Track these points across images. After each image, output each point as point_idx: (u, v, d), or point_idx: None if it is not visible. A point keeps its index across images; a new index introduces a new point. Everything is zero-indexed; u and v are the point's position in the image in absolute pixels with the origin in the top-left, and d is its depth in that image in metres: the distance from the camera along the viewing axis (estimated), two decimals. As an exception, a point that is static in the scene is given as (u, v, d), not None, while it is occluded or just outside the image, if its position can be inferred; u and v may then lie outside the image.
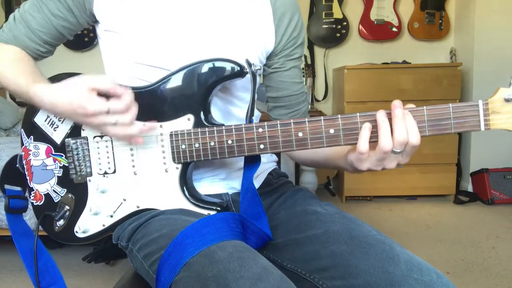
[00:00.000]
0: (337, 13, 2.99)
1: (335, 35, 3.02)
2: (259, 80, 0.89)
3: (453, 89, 2.68)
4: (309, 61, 3.11)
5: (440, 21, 3.00)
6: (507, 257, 1.93)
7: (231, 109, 0.83)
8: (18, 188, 0.84)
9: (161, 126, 0.73)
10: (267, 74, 0.90)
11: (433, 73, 2.67)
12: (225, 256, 0.57)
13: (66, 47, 3.08)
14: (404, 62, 2.90)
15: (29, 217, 1.42)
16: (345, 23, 3.01)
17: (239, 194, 0.83)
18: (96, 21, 0.80)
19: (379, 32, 3.03)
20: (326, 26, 3.01)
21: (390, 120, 0.63)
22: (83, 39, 3.02)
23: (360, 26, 3.04)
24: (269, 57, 0.88)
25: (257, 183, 0.86)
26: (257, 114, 0.91)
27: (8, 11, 2.99)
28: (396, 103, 0.62)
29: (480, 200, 2.78)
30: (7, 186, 0.83)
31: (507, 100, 0.61)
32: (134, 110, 0.68)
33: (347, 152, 0.70)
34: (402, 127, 0.61)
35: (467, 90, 2.92)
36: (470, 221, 2.45)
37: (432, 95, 2.66)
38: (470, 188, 2.92)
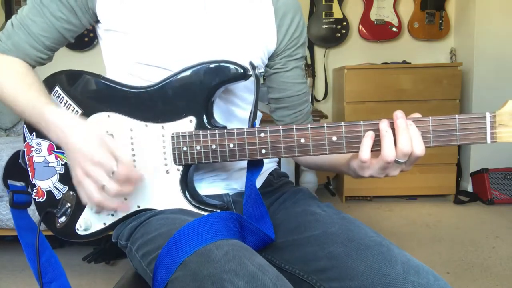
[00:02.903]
0: (337, 13, 2.99)
1: (335, 35, 3.02)
2: (261, 80, 0.89)
3: (453, 89, 2.68)
4: (309, 61, 3.11)
5: (440, 21, 3.00)
6: (507, 257, 1.93)
7: (234, 110, 0.83)
8: (22, 184, 0.84)
9: (163, 127, 0.73)
10: (269, 75, 0.90)
11: (433, 73, 2.67)
12: (221, 255, 0.57)
13: (66, 47, 3.07)
14: (404, 62, 2.90)
15: (31, 214, 1.42)
16: (345, 23, 3.01)
17: (240, 194, 0.83)
18: (97, 21, 0.79)
19: (379, 32, 3.03)
20: (326, 26, 3.01)
21: (393, 130, 0.62)
22: (83, 39, 3.02)
23: (360, 26, 3.04)
24: (270, 58, 0.88)
25: (258, 183, 0.86)
26: (258, 114, 0.91)
27: (8, 11, 2.99)
28: (398, 114, 0.61)
29: (480, 200, 2.78)
30: (10, 181, 0.83)
31: None
32: (127, 189, 0.65)
33: (349, 158, 0.70)
34: (406, 138, 0.60)
35: (467, 90, 2.92)
36: (470, 221, 2.45)
37: (432, 95, 2.67)
38: (470, 188, 2.92)
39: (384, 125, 0.62)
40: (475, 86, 2.86)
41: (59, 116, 0.68)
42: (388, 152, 0.61)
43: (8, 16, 2.93)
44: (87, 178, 0.64)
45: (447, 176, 2.77)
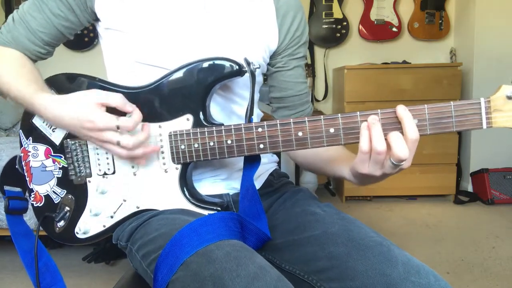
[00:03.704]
0: (337, 13, 2.99)
1: (335, 35, 3.02)
2: (261, 79, 0.88)
3: (453, 89, 2.68)
4: (309, 61, 3.11)
5: (440, 21, 3.00)
6: (507, 257, 1.93)
7: (232, 107, 0.83)
8: (18, 189, 0.83)
9: (160, 127, 0.73)
10: (270, 73, 0.90)
11: (433, 73, 2.67)
12: (222, 255, 0.57)
13: (66, 47, 3.08)
14: (404, 62, 2.90)
15: (29, 217, 1.42)
16: (345, 23, 3.01)
17: (240, 194, 0.83)
18: (97, 19, 0.79)
19: (379, 32, 3.03)
20: (326, 26, 3.01)
21: (391, 123, 0.62)
22: (83, 39, 3.01)
23: (360, 26, 3.04)
24: (272, 56, 0.88)
25: (258, 183, 0.86)
26: (258, 113, 0.91)
27: (8, 11, 2.99)
28: (391, 137, 0.61)
29: (480, 200, 2.78)
30: (6, 187, 0.82)
31: (509, 98, 0.60)
32: (144, 134, 0.70)
33: (351, 159, 0.70)
34: (401, 147, 0.60)
35: (467, 90, 2.92)
36: (470, 221, 2.45)
37: (432, 95, 2.66)
38: (470, 188, 2.92)
39: (371, 118, 0.62)
40: (475, 86, 2.85)
41: (46, 102, 0.71)
42: (378, 144, 0.61)
43: (8, 16, 2.92)
44: (104, 144, 0.69)
45: (447, 176, 2.77)
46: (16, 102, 0.76)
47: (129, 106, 0.69)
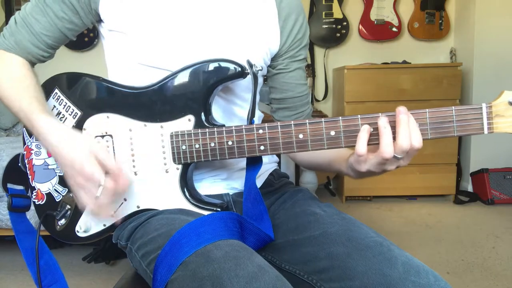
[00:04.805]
0: (337, 13, 2.99)
1: (335, 35, 3.02)
2: (261, 80, 0.89)
3: (453, 89, 2.68)
4: (309, 61, 3.11)
5: (440, 21, 3.00)
6: (507, 257, 1.93)
7: (234, 109, 0.83)
8: (21, 187, 0.84)
9: (161, 127, 0.73)
10: (271, 75, 0.90)
11: (433, 73, 2.67)
12: (221, 255, 0.57)
13: (66, 47, 3.08)
14: (404, 62, 2.90)
15: (30, 216, 1.42)
16: (345, 23, 3.01)
17: (241, 194, 0.83)
18: (100, 21, 0.79)
19: (379, 32, 3.03)
20: (326, 26, 3.01)
21: (392, 126, 0.62)
22: (83, 39, 3.01)
23: (360, 26, 3.04)
24: (273, 58, 0.88)
25: (258, 183, 0.86)
26: (259, 114, 0.91)
27: (8, 10, 2.99)
28: (401, 109, 0.61)
29: (480, 200, 2.78)
30: (9, 185, 0.83)
31: (511, 103, 0.60)
32: (118, 199, 0.70)
33: (349, 156, 0.70)
34: (406, 134, 0.60)
35: (467, 90, 2.92)
36: (470, 221, 2.45)
37: (432, 95, 2.67)
38: (470, 188, 2.92)
39: (383, 121, 0.62)
40: (475, 86, 2.86)
41: (48, 128, 0.69)
42: (386, 148, 0.61)
43: (8, 16, 2.92)
44: (81, 190, 0.66)
45: (447, 176, 2.77)
46: (15, 116, 0.75)
47: (119, 171, 0.67)
